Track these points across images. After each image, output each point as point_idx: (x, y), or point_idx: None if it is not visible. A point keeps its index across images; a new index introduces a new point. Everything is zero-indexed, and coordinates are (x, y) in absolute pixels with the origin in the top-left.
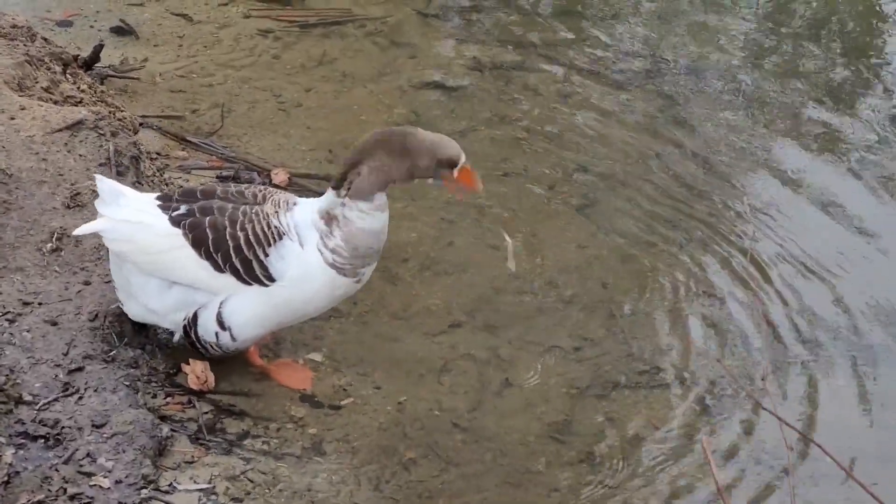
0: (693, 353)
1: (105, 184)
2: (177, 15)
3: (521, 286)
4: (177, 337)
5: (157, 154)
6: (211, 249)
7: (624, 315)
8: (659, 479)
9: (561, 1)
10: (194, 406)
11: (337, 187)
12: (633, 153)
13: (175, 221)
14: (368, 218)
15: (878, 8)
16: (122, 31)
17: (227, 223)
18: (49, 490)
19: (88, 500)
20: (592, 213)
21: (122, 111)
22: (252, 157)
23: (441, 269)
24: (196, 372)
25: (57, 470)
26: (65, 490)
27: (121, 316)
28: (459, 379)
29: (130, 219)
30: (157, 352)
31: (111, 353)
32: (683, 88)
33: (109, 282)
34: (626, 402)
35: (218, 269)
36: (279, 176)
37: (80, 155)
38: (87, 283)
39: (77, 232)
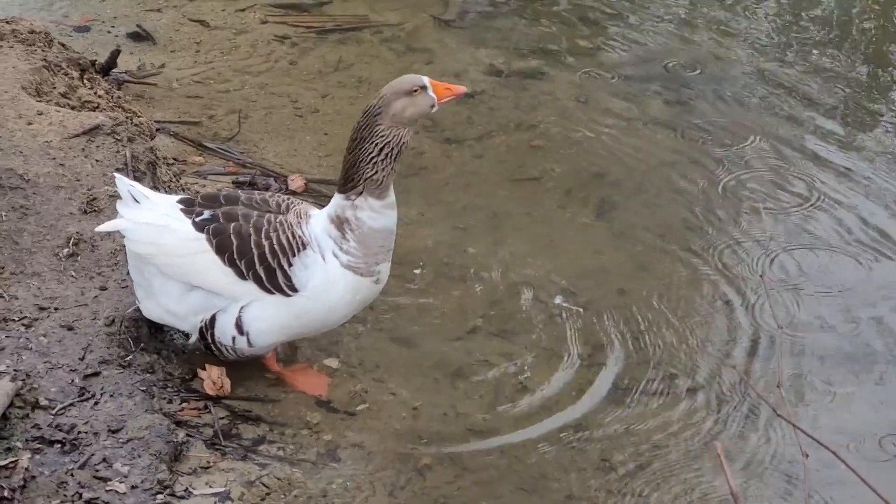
0: (708, 360)
1: (125, 185)
2: (194, 21)
3: (537, 292)
4: (192, 339)
5: (174, 159)
6: (235, 256)
7: (640, 321)
8: (674, 485)
9: (578, 7)
10: (210, 411)
11: (343, 190)
12: (650, 159)
13: (199, 227)
14: (380, 217)
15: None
16: (139, 36)
17: (251, 231)
18: (65, 495)
19: None
20: (609, 219)
21: (139, 116)
22: (268, 162)
23: (456, 275)
24: (212, 377)
25: (73, 475)
26: (80, 495)
27: (137, 321)
28: (474, 385)
29: (153, 221)
30: (172, 357)
31: (127, 359)
32: (701, 94)
33: (125, 287)
34: (642, 407)
35: (241, 276)
36: (295, 182)
37: (97, 160)
38: (103, 289)
39: (99, 229)
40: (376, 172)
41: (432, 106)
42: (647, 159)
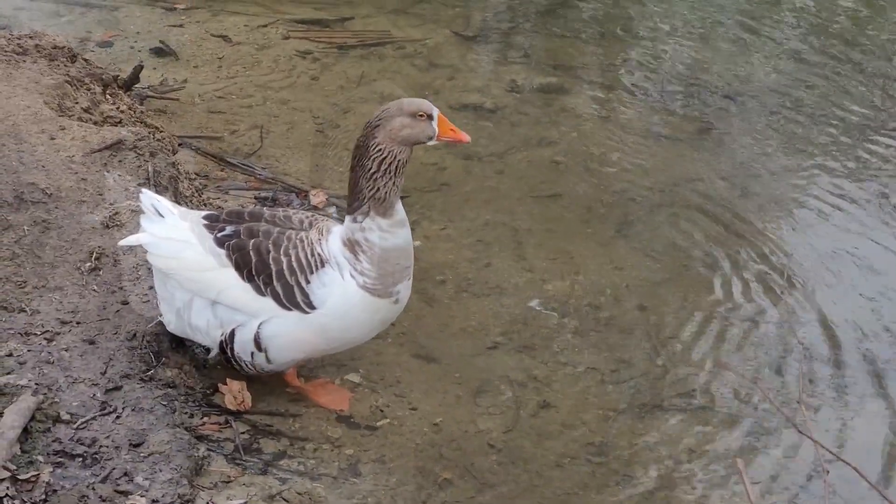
0: (729, 376)
1: (150, 199)
2: (216, 36)
3: (558, 309)
4: (213, 353)
5: (196, 174)
6: (253, 272)
7: (660, 337)
8: (694, 501)
9: (600, 24)
10: (231, 426)
11: (351, 211)
12: (671, 175)
13: (220, 242)
14: (390, 237)
15: None
16: (161, 52)
17: (270, 247)
18: None
19: None
20: (630, 236)
21: (161, 131)
22: (290, 177)
23: (478, 290)
24: (233, 392)
25: (94, 489)
26: None
27: (158, 335)
28: (495, 400)
29: (175, 236)
30: (194, 372)
31: (148, 373)
32: (722, 111)
33: (147, 301)
34: (662, 424)
35: (259, 292)
36: (317, 197)
37: (119, 175)
38: (124, 303)
39: (122, 243)
40: (378, 189)
41: (430, 137)
42: (668, 175)
